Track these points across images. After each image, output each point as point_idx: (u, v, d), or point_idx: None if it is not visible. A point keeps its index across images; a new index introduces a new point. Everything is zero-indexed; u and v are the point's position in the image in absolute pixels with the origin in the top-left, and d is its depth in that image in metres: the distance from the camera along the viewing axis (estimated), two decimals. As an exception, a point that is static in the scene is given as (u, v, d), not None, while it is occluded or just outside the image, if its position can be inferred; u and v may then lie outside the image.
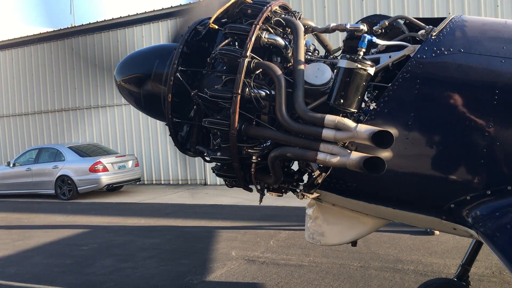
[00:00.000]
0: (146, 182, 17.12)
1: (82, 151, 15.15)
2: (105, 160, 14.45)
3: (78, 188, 14.43)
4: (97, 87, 18.02)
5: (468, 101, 2.78)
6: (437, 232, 6.49)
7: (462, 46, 2.81)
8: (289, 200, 10.57)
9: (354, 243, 3.60)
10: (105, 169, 14.31)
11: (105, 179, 14.30)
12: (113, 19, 17.50)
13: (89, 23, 18.05)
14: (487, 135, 2.70)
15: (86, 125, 18.49)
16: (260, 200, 3.53)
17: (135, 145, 17.37)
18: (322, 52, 3.89)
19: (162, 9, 16.33)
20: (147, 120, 16.66)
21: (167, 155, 16.70)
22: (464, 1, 12.25)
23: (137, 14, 16.91)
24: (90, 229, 9.89)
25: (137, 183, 16.08)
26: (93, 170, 14.22)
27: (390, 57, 3.04)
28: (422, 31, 3.06)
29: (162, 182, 16.97)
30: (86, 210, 12.50)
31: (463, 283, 4.20)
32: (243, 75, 3.04)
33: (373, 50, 3.14)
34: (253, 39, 3.09)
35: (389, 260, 6.41)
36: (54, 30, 19.02)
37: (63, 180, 14.65)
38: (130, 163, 15.18)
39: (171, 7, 15.82)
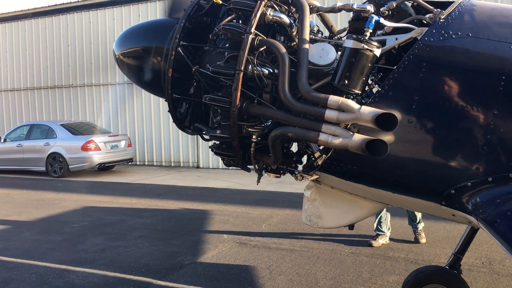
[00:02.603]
0: (138, 163, 17.03)
1: (75, 129, 15.01)
2: (98, 139, 14.33)
3: (70, 166, 14.32)
4: (91, 65, 17.81)
5: (474, 86, 2.75)
6: (423, 241, 6.48)
7: (471, 30, 2.77)
8: (282, 185, 10.67)
9: (351, 227, 3.59)
10: (97, 148, 14.20)
11: (97, 158, 14.20)
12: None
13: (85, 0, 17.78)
14: (491, 122, 2.68)
15: (79, 103, 18.31)
16: (258, 181, 3.50)
17: (128, 125, 17.25)
18: (325, 34, 3.84)
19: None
20: (142, 101, 16.53)
21: (160, 137, 16.61)
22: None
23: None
24: (80, 207, 9.83)
25: (129, 163, 16.00)
26: (85, 148, 14.11)
27: (396, 39, 2.99)
28: (430, 14, 3.01)
29: (155, 164, 16.91)
30: (77, 188, 12.43)
31: (455, 271, 4.21)
32: (246, 51, 2.98)
33: (379, 32, 3.09)
34: (258, 15, 3.03)
35: (380, 247, 6.44)
36: (49, 6, 18.70)
37: (55, 157, 14.52)
38: (123, 143, 15.08)
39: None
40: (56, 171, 14.50)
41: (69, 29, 18.25)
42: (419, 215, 6.51)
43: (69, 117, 18.17)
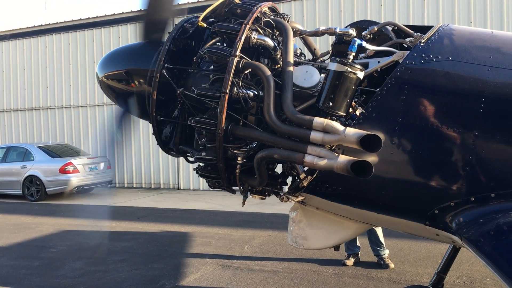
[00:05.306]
0: (117, 185, 16.79)
1: (52, 151, 14.75)
2: (76, 161, 14.10)
3: (47, 189, 14.03)
4: (70, 87, 17.65)
5: (455, 108, 2.82)
6: (391, 266, 6.46)
7: (450, 54, 2.85)
8: (264, 206, 10.62)
9: (337, 248, 3.60)
10: (75, 171, 13.95)
11: (75, 180, 13.93)
12: (88, 18, 17.21)
13: (64, 21, 17.72)
14: (472, 142, 2.74)
15: (57, 125, 18.05)
16: (243, 203, 3.49)
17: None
18: (308, 56, 3.90)
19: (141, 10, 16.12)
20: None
21: (140, 158, 16.44)
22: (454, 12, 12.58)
23: (114, 14, 16.68)
24: (58, 231, 9.61)
25: (109, 185, 15.76)
26: (63, 171, 13.85)
27: (379, 62, 3.06)
28: (410, 38, 3.09)
29: (134, 186, 16.69)
30: (55, 211, 12.17)
31: (438, 291, 4.24)
32: (232, 74, 3.01)
33: (361, 55, 3.16)
34: (242, 38, 3.07)
35: (363, 268, 6.44)
36: (27, 27, 18.56)
37: (31, 180, 14.21)
38: (102, 165, 14.86)
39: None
40: (33, 194, 14.19)
41: (47, 50, 18.09)
42: (383, 241, 6.52)
43: (47, 139, 17.88)
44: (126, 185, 16.86)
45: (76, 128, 17.69)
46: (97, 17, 17.04)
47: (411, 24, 3.87)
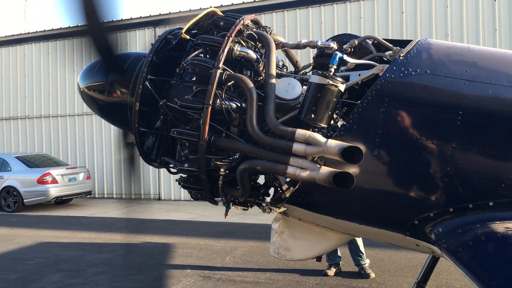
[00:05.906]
0: (97, 196, 16.57)
1: (30, 162, 14.51)
2: (55, 172, 13.89)
3: (24, 200, 13.78)
4: (49, 96, 17.43)
5: (433, 121, 2.88)
6: (372, 275, 6.52)
7: (429, 68, 2.92)
8: (245, 216, 10.60)
9: (319, 258, 3.62)
10: (54, 181, 13.74)
11: (53, 191, 13.72)
12: (69, 27, 17.01)
13: (44, 30, 17.54)
14: (450, 154, 2.80)
15: (35, 134, 17.77)
16: (226, 214, 3.50)
17: (87, 157, 16.84)
18: (290, 68, 3.94)
19: (140, 17, 16.07)
20: (101, 132, 16.22)
21: (120, 168, 16.23)
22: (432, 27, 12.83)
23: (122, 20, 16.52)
24: (36, 243, 9.43)
25: (88, 196, 15.55)
26: (41, 181, 13.62)
27: (359, 75, 3.11)
28: (390, 52, 3.16)
29: (114, 196, 16.49)
30: (33, 223, 11.94)
31: (418, 300, 4.29)
32: (215, 86, 3.03)
33: (342, 68, 3.21)
34: (225, 50, 3.10)
35: (344, 278, 6.47)
36: (6, 36, 18.31)
37: (8, 191, 13.94)
38: (81, 176, 14.68)
39: (149, 16, 15.64)
40: (10, 205, 13.91)
41: (26, 59, 17.86)
42: (364, 251, 6.58)
43: (25, 149, 17.57)
44: (106, 196, 16.66)
45: (55, 138, 17.44)
46: (77, 26, 16.85)
47: (390, 37, 3.95)
